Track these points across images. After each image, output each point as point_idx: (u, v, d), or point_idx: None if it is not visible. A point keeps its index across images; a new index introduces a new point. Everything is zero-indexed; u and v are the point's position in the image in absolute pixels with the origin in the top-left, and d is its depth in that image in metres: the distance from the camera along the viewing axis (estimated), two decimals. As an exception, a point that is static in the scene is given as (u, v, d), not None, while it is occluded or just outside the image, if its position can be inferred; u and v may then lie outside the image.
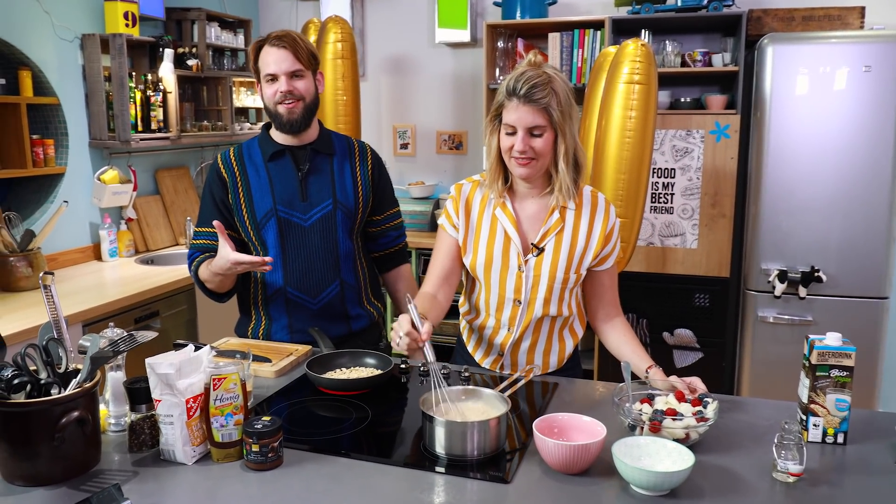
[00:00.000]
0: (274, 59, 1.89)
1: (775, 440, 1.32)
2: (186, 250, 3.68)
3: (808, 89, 3.18)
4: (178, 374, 1.31)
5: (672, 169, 3.56)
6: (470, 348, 1.90)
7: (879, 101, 3.13)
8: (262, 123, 4.45)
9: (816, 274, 3.24)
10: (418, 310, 1.62)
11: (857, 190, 3.20)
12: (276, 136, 2.01)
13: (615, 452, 1.30)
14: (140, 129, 3.38)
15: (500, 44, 3.87)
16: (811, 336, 1.50)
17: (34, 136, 3.09)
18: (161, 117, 3.49)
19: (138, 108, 3.37)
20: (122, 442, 1.42)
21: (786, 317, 3.35)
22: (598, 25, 3.69)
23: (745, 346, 3.48)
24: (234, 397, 1.34)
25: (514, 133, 1.64)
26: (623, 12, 3.66)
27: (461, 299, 1.93)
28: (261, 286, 2.03)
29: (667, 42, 3.61)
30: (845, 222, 3.23)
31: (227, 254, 1.80)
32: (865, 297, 3.26)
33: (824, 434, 1.48)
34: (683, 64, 3.65)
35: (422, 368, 1.85)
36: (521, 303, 1.76)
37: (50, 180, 3.21)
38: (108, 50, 3.28)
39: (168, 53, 3.50)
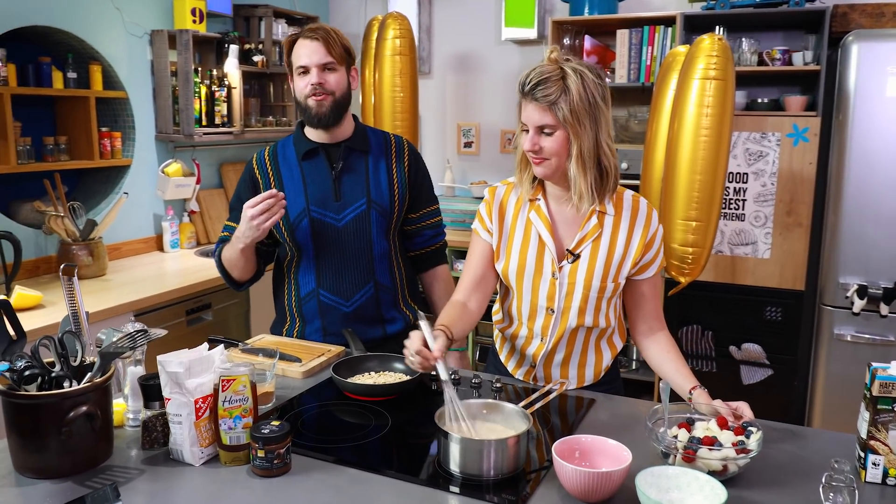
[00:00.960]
0: (306, 52, 1.85)
1: (823, 480, 1.19)
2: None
3: (897, 90, 2.93)
4: (188, 373, 1.28)
5: (744, 173, 3.36)
6: (502, 358, 1.82)
7: (981, 105, 2.86)
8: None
9: (901, 291, 2.98)
10: (442, 321, 1.56)
11: (951, 201, 2.93)
12: (310, 133, 1.97)
13: (639, 483, 1.19)
14: (204, 123, 3.45)
15: (567, 41, 3.75)
16: (873, 364, 1.35)
17: (102, 129, 3.19)
18: (225, 112, 3.55)
19: (203, 103, 3.43)
20: (138, 437, 1.41)
21: (865, 335, 3.10)
22: (669, 22, 3.51)
23: (819, 364, 3.24)
24: (244, 399, 1.31)
25: (527, 131, 1.57)
26: (697, 8, 3.47)
27: (495, 306, 1.85)
28: (294, 287, 2.01)
29: (743, 39, 3.40)
30: (937, 235, 2.97)
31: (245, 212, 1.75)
32: (956, 318, 2.99)
33: (885, 475, 1.33)
34: (760, 63, 3.43)
35: (452, 377, 1.78)
36: (554, 311, 1.66)
37: (116, 172, 3.31)
38: (175, 46, 3.35)
39: (233, 49, 3.56)
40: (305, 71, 1.87)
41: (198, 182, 3.59)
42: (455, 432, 1.32)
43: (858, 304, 3.05)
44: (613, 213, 1.64)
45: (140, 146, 3.36)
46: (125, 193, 3.11)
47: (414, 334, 1.47)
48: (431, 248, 2.12)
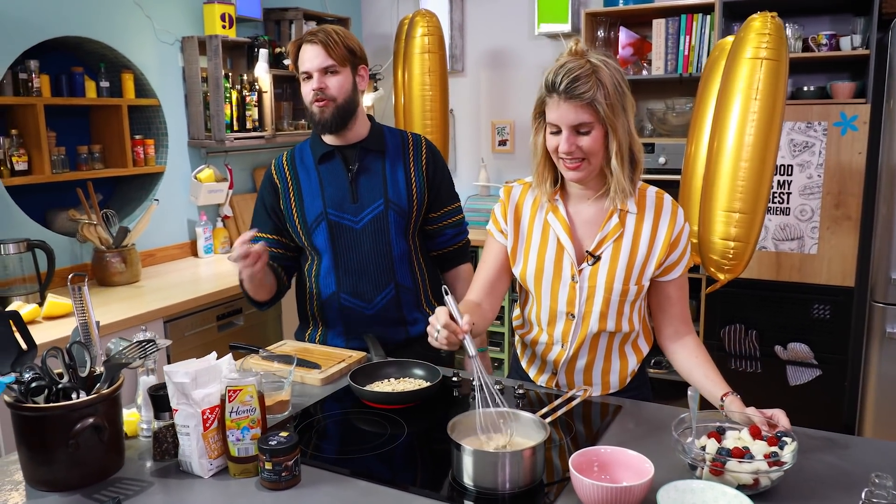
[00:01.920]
0: (307, 56, 1.83)
1: (862, 496, 1.10)
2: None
3: (953, 74, 2.76)
4: (194, 383, 1.26)
5: (789, 165, 3.22)
6: (524, 364, 1.76)
7: None
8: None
9: (960, 286, 2.81)
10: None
11: None
12: (325, 136, 1.95)
13: (661, 499, 1.12)
14: (235, 128, 3.46)
15: (601, 33, 3.65)
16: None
17: (136, 137, 3.23)
18: (256, 116, 3.56)
19: (234, 108, 3.44)
20: (149, 449, 1.40)
21: (921, 334, 2.94)
22: (707, 10, 3.39)
23: (871, 364, 3.09)
24: (251, 410, 1.28)
25: (558, 132, 1.48)
26: (736, -6, 3.34)
27: (515, 311, 1.79)
28: (315, 292, 1.98)
29: (786, 25, 3.25)
30: None
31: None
32: None
33: (935, 489, 1.23)
34: (805, 49, 3.28)
35: (474, 382, 1.73)
36: (574, 317, 1.59)
37: (150, 179, 3.35)
38: (205, 52, 3.37)
39: (263, 53, 3.56)
40: (308, 76, 1.84)
41: (230, 187, 3.60)
42: (468, 443, 1.27)
43: (913, 300, 2.89)
44: (636, 212, 1.56)
45: (173, 153, 3.39)
46: (156, 200, 3.14)
47: (440, 309, 1.40)
48: (454, 248, 2.07)
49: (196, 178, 3.40)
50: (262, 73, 3.56)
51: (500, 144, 4.47)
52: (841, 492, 1.24)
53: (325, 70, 1.83)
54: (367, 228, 1.91)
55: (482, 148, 4.50)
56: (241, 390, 1.27)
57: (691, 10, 3.43)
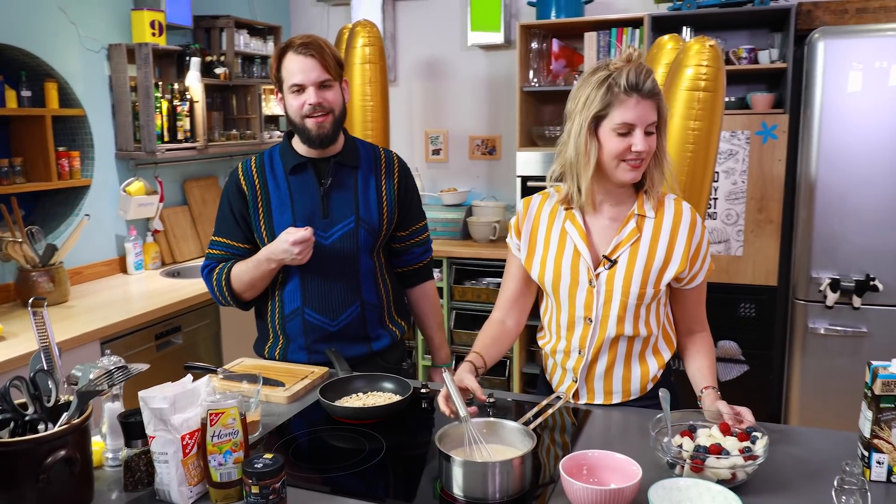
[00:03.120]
0: (300, 68, 1.75)
1: (835, 484, 1.17)
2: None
3: (862, 86, 2.97)
4: (173, 408, 1.21)
5: (716, 172, 3.37)
6: (548, 375, 1.77)
7: (942, 98, 2.91)
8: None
9: (872, 282, 3.02)
10: (477, 347, 1.64)
11: (916, 193, 2.98)
12: (299, 147, 1.89)
13: (652, 498, 1.16)
14: (166, 139, 3.34)
15: (535, 45, 3.73)
16: (873, 363, 1.34)
17: (60, 149, 3.06)
18: (188, 127, 3.45)
19: (164, 118, 3.33)
20: (119, 478, 1.33)
21: (838, 328, 3.14)
22: (636, 23, 3.52)
23: (795, 358, 3.27)
24: (234, 433, 1.24)
25: (627, 133, 1.49)
26: (663, 9, 3.49)
27: (540, 323, 1.79)
28: (278, 305, 1.93)
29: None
30: (903, 227, 3.02)
31: (286, 236, 1.76)
32: (926, 307, 3.04)
33: (889, 473, 1.32)
34: (727, 62, 3.45)
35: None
36: (592, 321, 1.60)
37: (76, 193, 3.18)
38: (134, 60, 3.25)
39: (194, 62, 3.46)
40: (301, 89, 1.78)
41: (161, 200, 3.47)
42: (457, 454, 1.27)
43: (832, 297, 3.08)
44: (654, 217, 1.58)
45: (100, 165, 3.23)
46: (87, 215, 2.99)
47: (441, 393, 1.47)
48: (420, 265, 2.07)
49: (125, 191, 3.26)
50: (194, 82, 3.45)
51: (433, 154, 4.49)
52: (808, 479, 1.32)
53: (320, 84, 1.77)
54: (335, 245, 1.87)
55: (415, 157, 4.51)
56: (223, 413, 1.22)
57: (621, 23, 3.56)
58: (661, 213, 1.59)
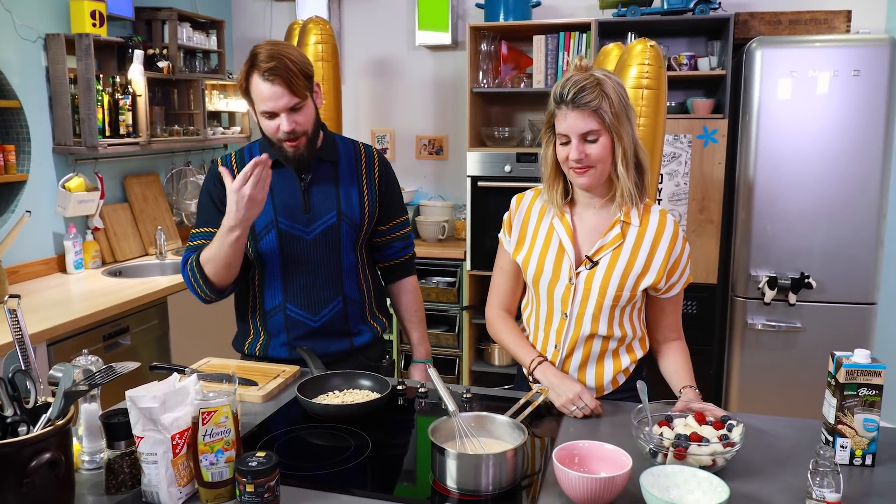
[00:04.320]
0: (269, 96, 1.68)
1: (810, 466, 1.24)
2: (156, 261, 3.55)
3: (796, 93, 3.15)
4: (163, 407, 1.18)
5: (660, 174, 3.50)
6: (525, 371, 1.78)
7: (866, 106, 3.11)
8: (235, 128, 4.29)
9: (807, 280, 3.20)
10: (534, 350, 1.71)
11: (845, 195, 3.17)
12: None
13: (644, 484, 1.20)
14: (108, 134, 3.21)
15: (484, 46, 3.78)
16: (836, 353, 1.43)
17: (-7, 142, 2.91)
18: (130, 122, 3.32)
19: (106, 112, 3.20)
20: (97, 482, 1.28)
21: (774, 323, 3.31)
22: (583, 28, 3.61)
23: (734, 353, 3.43)
24: (226, 431, 1.21)
25: (568, 142, 1.56)
26: (608, 15, 3.59)
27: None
28: (259, 300, 1.90)
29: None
30: (834, 228, 3.20)
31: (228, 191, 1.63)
32: (853, 303, 3.24)
33: (852, 456, 1.41)
34: (669, 68, 3.58)
35: (420, 390, 1.74)
36: (567, 316, 1.66)
37: (11, 188, 3.02)
38: (73, 51, 3.11)
39: (138, 55, 3.34)
40: (272, 115, 1.73)
41: (101, 197, 3.34)
42: (451, 447, 1.28)
43: (769, 294, 3.25)
44: (638, 225, 1.64)
45: (36, 160, 3.08)
46: (28, 212, 2.85)
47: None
48: (401, 260, 2.06)
49: (65, 187, 3.12)
50: (137, 75, 3.33)
51: (379, 153, 4.47)
52: (777, 462, 1.40)
53: (290, 108, 1.71)
54: (318, 240, 1.85)
55: (362, 156, 4.48)
56: (215, 412, 1.20)
57: (569, 28, 3.64)
58: (645, 222, 1.65)
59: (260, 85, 1.69)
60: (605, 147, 1.56)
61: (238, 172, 1.78)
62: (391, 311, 2.16)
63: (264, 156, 1.65)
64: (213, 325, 2.89)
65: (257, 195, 1.64)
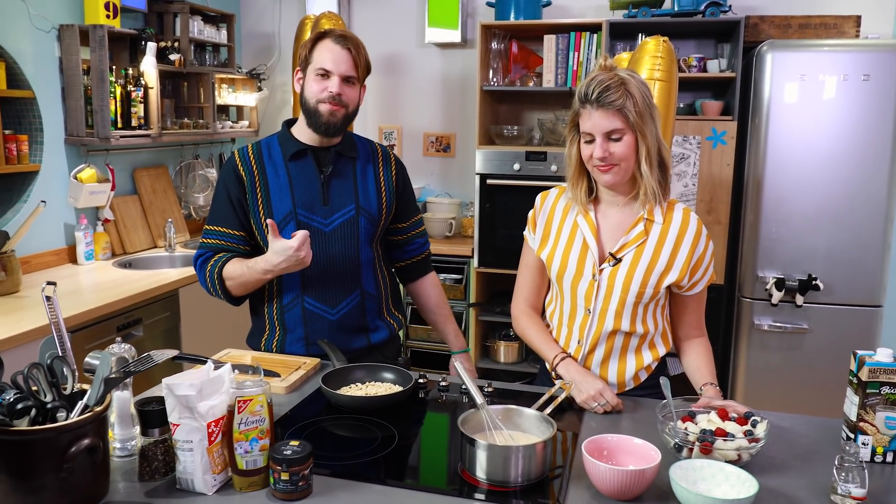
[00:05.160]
0: (333, 57, 1.78)
1: (836, 462, 1.26)
2: (166, 253, 3.55)
3: (805, 97, 3.17)
4: (200, 395, 1.19)
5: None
6: (548, 366, 1.80)
7: (875, 110, 3.13)
8: (244, 122, 4.29)
9: (814, 282, 3.22)
10: (557, 347, 1.71)
11: (853, 198, 3.19)
12: (300, 134, 1.88)
13: (674, 477, 1.22)
14: (120, 125, 3.21)
15: (494, 45, 3.79)
16: (859, 352, 1.45)
17: (7, 132, 2.90)
18: (142, 114, 3.33)
19: (118, 104, 3.20)
20: (129, 469, 1.29)
21: (781, 324, 3.33)
22: (594, 28, 3.62)
23: (740, 353, 3.45)
24: (261, 420, 1.22)
25: (592, 141, 1.59)
26: (618, 16, 3.61)
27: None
28: (276, 294, 1.90)
29: (663, 46, 3.56)
30: (841, 230, 3.22)
31: (284, 245, 1.69)
32: (860, 305, 3.26)
33: (873, 453, 1.42)
34: (678, 69, 3.60)
35: (441, 383, 1.75)
36: (591, 312, 1.68)
37: (23, 178, 3.02)
38: (87, 42, 3.11)
39: (151, 47, 3.34)
40: (325, 75, 1.79)
41: (112, 188, 3.34)
42: (482, 438, 1.29)
43: (777, 295, 3.27)
44: (661, 223, 1.65)
45: (49, 150, 3.08)
46: (42, 202, 2.84)
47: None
48: (422, 256, 2.10)
49: (77, 178, 3.12)
50: (150, 67, 3.34)
51: (387, 150, 4.48)
52: (800, 458, 1.41)
53: (346, 78, 1.79)
54: (336, 232, 1.87)
55: (369, 153, 4.48)
56: (251, 400, 1.21)
57: (579, 28, 3.65)
58: (668, 220, 1.67)
59: (329, 45, 1.79)
60: (629, 145, 1.58)
61: (255, 164, 1.82)
62: (402, 309, 2.17)
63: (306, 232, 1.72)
64: (224, 317, 2.89)
65: (307, 259, 1.72)
